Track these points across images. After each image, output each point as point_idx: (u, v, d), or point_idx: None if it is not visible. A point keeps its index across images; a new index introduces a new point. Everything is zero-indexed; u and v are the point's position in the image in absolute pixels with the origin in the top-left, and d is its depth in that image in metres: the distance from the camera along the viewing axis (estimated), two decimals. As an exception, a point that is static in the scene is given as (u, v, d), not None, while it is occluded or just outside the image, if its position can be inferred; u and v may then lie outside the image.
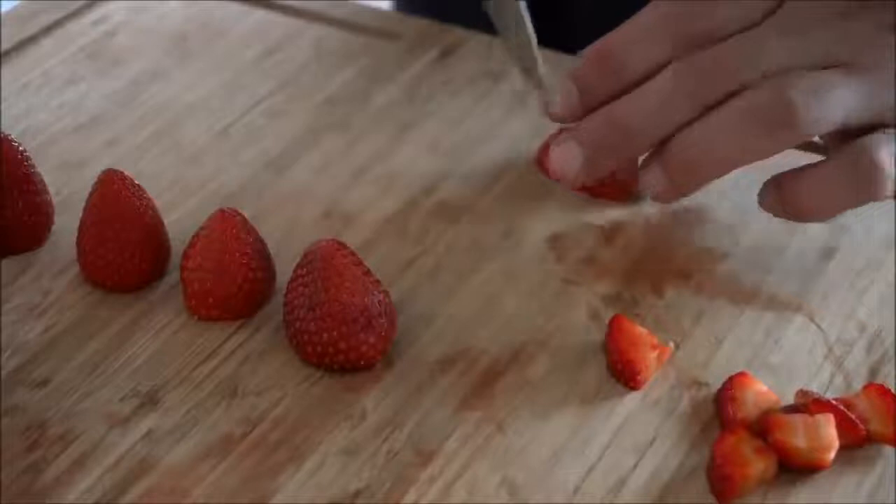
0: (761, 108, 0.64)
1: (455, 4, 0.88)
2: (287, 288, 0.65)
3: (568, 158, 0.68)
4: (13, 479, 0.60)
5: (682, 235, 0.71)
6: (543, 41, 0.72)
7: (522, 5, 0.68)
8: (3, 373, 0.64)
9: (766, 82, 0.65)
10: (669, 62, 0.67)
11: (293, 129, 0.80)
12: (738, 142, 0.65)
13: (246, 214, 0.68)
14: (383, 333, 0.64)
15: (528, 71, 0.69)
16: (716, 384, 0.64)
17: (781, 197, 0.67)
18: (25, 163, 0.70)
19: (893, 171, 0.65)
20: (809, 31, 0.66)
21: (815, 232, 0.73)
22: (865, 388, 0.62)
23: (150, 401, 0.63)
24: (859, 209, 0.73)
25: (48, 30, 0.88)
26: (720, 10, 0.67)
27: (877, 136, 0.66)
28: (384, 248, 0.72)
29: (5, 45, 0.86)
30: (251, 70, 0.85)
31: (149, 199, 0.69)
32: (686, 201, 0.72)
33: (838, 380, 0.65)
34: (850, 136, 0.66)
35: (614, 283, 0.70)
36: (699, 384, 0.65)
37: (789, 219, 0.68)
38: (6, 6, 0.89)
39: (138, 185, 0.69)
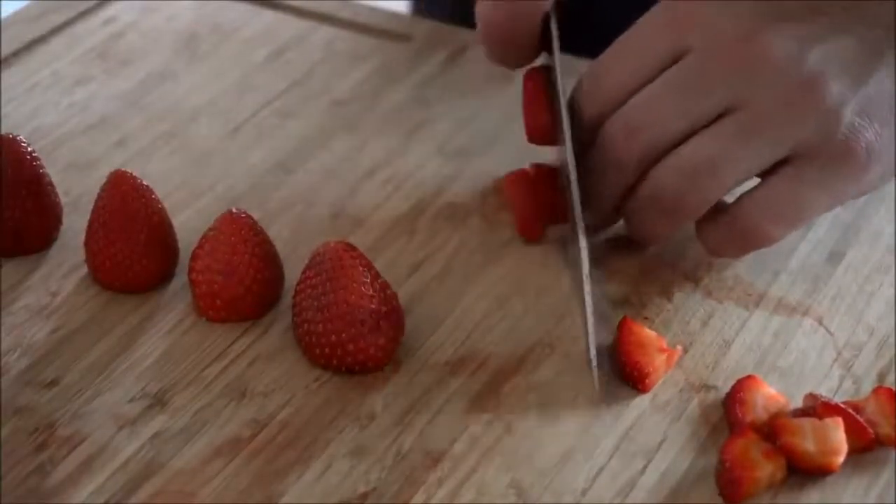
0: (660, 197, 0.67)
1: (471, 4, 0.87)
2: (295, 289, 0.65)
3: None
4: (21, 479, 0.60)
5: (691, 238, 0.71)
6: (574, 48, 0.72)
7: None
8: (12, 373, 0.64)
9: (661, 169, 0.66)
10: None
11: (302, 131, 0.80)
12: (648, 226, 0.69)
13: (254, 216, 0.68)
14: (391, 335, 0.64)
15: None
16: (724, 387, 0.64)
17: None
18: (34, 163, 0.71)
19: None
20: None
21: (823, 235, 0.73)
22: (874, 391, 0.62)
23: (159, 402, 0.63)
24: (866, 212, 0.73)
25: (57, 30, 0.88)
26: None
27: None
28: (392, 249, 0.72)
29: (15, 45, 0.86)
30: (260, 71, 0.85)
31: (157, 200, 0.69)
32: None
33: (847, 383, 0.65)
34: None
35: (623, 286, 0.70)
36: (708, 387, 0.64)
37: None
38: (16, 6, 0.89)
39: (147, 186, 0.69)
